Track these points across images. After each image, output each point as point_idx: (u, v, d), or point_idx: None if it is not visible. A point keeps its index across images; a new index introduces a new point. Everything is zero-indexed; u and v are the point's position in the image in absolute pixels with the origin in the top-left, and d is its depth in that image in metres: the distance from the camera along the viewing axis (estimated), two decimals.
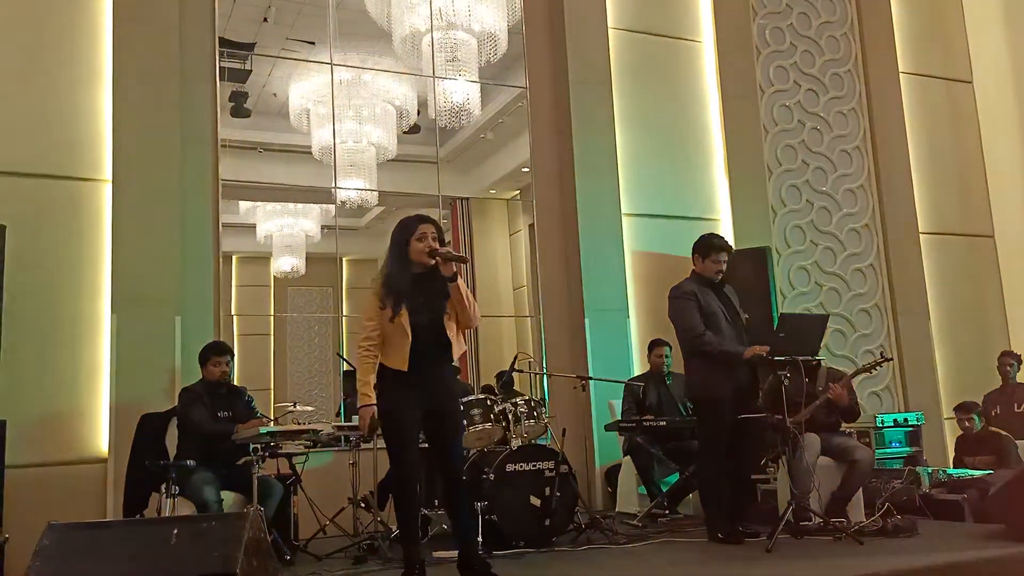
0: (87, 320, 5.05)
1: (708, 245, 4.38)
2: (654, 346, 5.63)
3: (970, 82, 8.06)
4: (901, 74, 7.70)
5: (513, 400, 4.64)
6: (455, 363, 3.51)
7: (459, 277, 3.32)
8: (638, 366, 6.17)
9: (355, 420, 5.00)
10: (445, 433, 3.42)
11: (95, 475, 4.86)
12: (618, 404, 5.67)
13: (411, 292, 3.27)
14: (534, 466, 4.35)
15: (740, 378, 4.27)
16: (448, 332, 3.33)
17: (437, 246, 3.31)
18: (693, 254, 4.45)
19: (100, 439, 4.95)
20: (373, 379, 3.26)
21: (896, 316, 7.25)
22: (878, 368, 4.96)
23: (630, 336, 6.31)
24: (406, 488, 3.34)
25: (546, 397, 6.05)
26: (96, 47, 5.33)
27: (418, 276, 3.31)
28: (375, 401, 3.26)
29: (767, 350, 4.14)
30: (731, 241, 6.61)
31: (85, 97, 5.26)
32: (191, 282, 5.33)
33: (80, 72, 5.28)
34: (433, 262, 3.29)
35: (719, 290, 4.37)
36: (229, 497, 4.15)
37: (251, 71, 6.18)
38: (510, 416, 4.54)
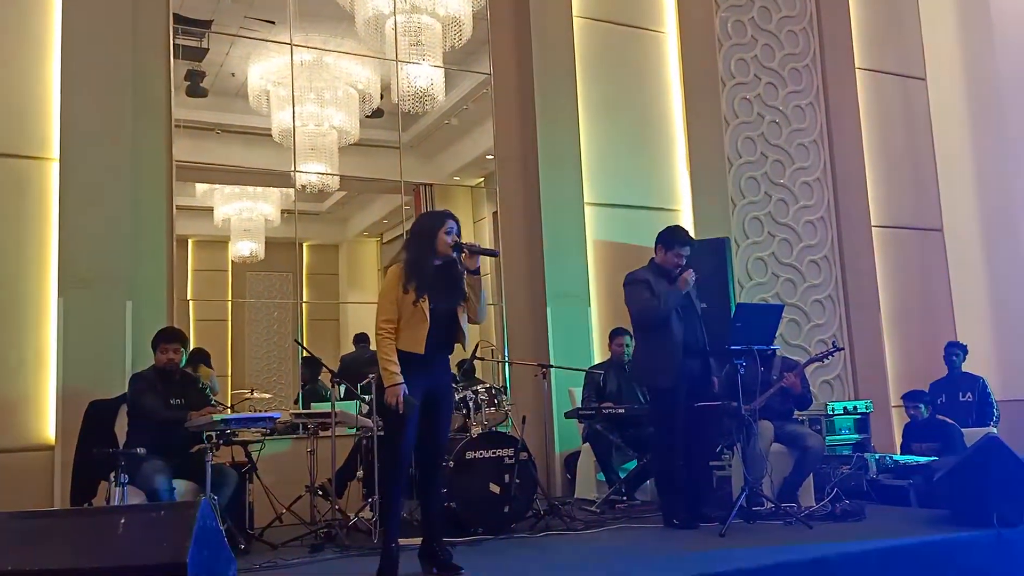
0: (33, 302, 4.89)
1: (673, 239, 4.43)
2: (615, 335, 5.67)
3: (924, 79, 8.25)
4: (857, 70, 7.84)
5: (474, 388, 4.64)
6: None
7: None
8: (598, 354, 6.21)
9: (313, 407, 5.01)
10: (439, 417, 3.47)
11: (41, 462, 4.73)
12: (578, 392, 5.70)
13: (433, 280, 3.39)
14: (494, 453, 4.36)
15: (692, 366, 4.33)
16: (461, 322, 3.45)
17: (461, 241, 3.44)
18: (656, 244, 4.49)
19: (47, 425, 4.82)
20: (396, 358, 3.33)
21: (848, 307, 7.42)
22: (830, 357, 5.08)
23: (591, 325, 6.35)
24: (397, 470, 3.37)
25: (507, 385, 6.06)
26: (45, 21, 5.14)
27: (439, 267, 3.43)
28: (403, 380, 3.29)
29: (692, 275, 4.30)
30: (691, 231, 6.72)
31: (32, 73, 5.07)
32: (144, 265, 5.20)
33: (27, 47, 5.08)
34: (454, 255, 3.42)
35: (675, 281, 4.41)
36: (182, 486, 4.07)
37: (208, 49, 6.02)
38: (470, 403, 4.54)
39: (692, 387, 4.31)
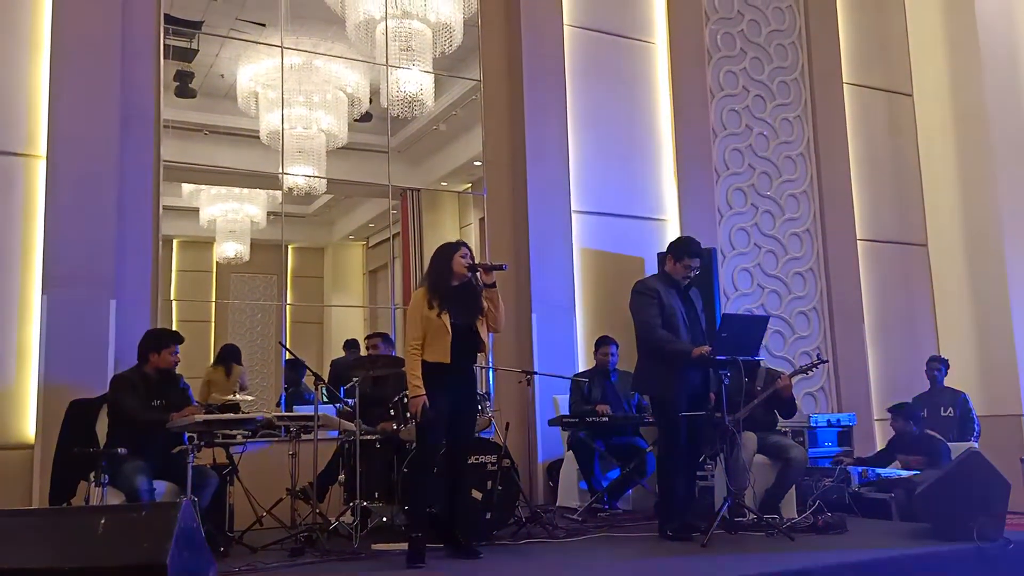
0: (16, 300, 4.84)
1: (684, 249, 4.41)
2: (600, 344, 5.67)
3: (910, 95, 8.35)
4: (845, 84, 7.92)
5: None
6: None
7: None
8: (583, 362, 6.22)
9: (295, 411, 5.00)
10: (464, 421, 3.95)
11: (20, 461, 4.67)
12: (562, 399, 5.70)
13: (452, 298, 3.88)
14: (477, 460, 4.35)
15: (693, 379, 4.33)
16: (481, 334, 3.93)
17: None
18: (666, 255, 4.49)
19: (27, 424, 4.76)
20: (420, 372, 3.81)
21: (833, 319, 7.47)
22: (814, 369, 5.10)
23: (576, 333, 6.35)
24: (423, 471, 3.86)
25: (491, 391, 6.05)
26: (35, 18, 5.11)
27: (457, 287, 3.93)
28: (424, 392, 3.78)
29: (709, 350, 4.22)
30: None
31: (21, 68, 5.04)
32: (128, 265, 5.16)
33: (17, 43, 5.05)
34: (469, 275, 3.92)
35: (683, 292, 4.42)
36: (162, 487, 4.03)
37: (198, 50, 6.00)
38: None
39: (692, 399, 4.31)
